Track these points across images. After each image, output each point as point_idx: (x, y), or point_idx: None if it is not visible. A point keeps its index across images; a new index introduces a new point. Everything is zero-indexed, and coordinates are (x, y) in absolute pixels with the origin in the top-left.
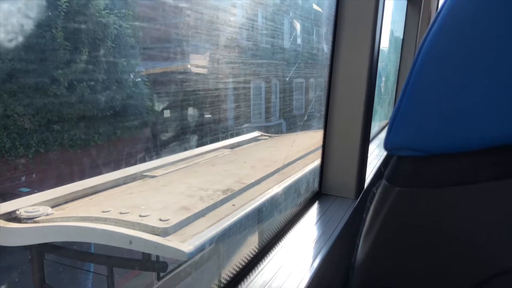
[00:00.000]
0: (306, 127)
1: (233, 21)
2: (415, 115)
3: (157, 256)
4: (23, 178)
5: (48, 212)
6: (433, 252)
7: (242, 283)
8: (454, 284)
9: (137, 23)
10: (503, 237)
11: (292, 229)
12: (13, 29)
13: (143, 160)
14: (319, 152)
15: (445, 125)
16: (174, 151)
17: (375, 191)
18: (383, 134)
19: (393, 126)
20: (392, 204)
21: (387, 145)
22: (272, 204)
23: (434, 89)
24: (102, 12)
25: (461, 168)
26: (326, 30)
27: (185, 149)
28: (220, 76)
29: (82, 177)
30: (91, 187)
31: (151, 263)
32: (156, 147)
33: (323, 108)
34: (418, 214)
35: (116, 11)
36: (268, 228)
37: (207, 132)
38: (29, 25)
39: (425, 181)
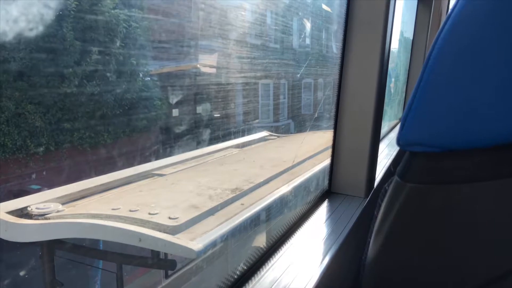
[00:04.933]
0: (315, 127)
1: (243, 20)
2: (429, 111)
3: (166, 254)
4: (33, 176)
5: (58, 209)
6: (444, 249)
7: (251, 280)
8: (466, 281)
9: (146, 22)
10: None
11: (301, 227)
12: (24, 28)
13: (152, 159)
14: (328, 152)
15: (459, 121)
16: (183, 150)
17: (386, 187)
18: (392, 134)
19: (406, 122)
20: (404, 201)
21: (399, 141)
22: (281, 203)
23: (447, 85)
24: (112, 11)
25: (474, 165)
26: (336, 28)
27: (194, 148)
28: (229, 75)
29: (92, 175)
30: (101, 185)
31: (160, 260)
32: (165, 146)
33: (333, 107)
34: (430, 210)
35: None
36: (277, 226)
37: (216, 131)
38: (40, 24)
39: (437, 177)
